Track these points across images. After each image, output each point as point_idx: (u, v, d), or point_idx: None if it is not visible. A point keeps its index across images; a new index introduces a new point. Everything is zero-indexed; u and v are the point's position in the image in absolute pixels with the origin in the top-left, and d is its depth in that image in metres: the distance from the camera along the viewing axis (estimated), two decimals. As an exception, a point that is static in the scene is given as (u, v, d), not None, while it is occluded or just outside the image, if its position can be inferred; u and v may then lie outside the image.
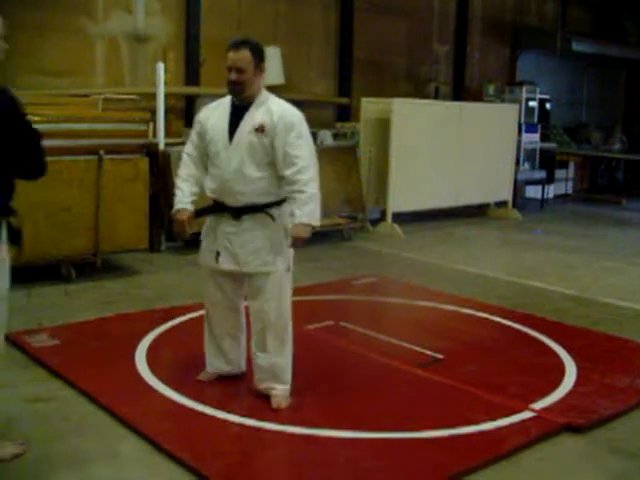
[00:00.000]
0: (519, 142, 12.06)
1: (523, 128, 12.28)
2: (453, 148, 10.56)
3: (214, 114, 3.92)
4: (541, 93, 13.12)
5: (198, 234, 4.11)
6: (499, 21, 14.27)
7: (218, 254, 3.91)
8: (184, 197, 3.94)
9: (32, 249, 5.96)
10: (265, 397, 3.98)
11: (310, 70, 11.50)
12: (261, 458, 3.50)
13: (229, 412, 3.83)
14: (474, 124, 10.83)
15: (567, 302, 6.56)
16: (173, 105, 9.71)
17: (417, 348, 4.99)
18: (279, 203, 3.88)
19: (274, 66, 10.28)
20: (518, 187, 12.35)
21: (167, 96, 8.58)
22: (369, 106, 10.09)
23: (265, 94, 3.87)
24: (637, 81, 17.22)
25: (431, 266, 7.90)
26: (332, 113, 11.88)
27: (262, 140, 3.76)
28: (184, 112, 10.05)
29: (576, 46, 14.02)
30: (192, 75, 10.05)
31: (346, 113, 11.77)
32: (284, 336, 3.97)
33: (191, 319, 5.31)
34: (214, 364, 4.21)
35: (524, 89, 12.73)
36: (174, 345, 4.90)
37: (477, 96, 13.12)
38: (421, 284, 6.97)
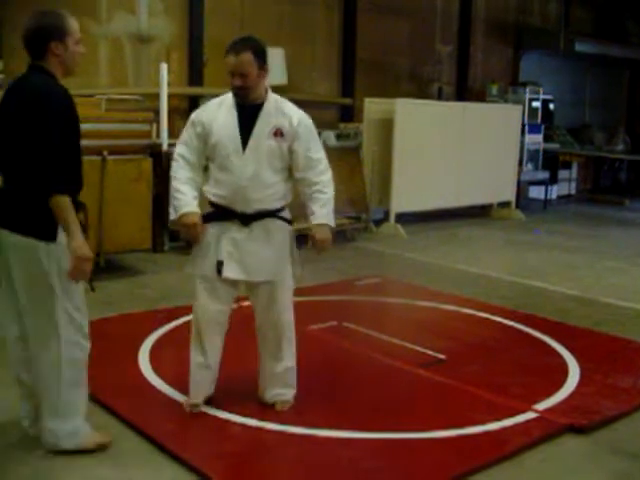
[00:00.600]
0: (522, 142, 12.04)
1: (526, 128, 12.27)
2: (456, 148, 10.56)
3: (219, 115, 3.68)
4: (544, 93, 13.12)
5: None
6: (502, 21, 14.26)
7: (220, 264, 3.67)
8: (189, 200, 3.65)
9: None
10: (268, 398, 3.99)
11: (313, 70, 11.50)
12: (263, 458, 3.51)
13: (231, 412, 3.83)
14: (477, 124, 10.83)
15: (570, 302, 6.55)
16: (176, 105, 9.71)
17: (419, 348, 5.00)
18: (285, 208, 3.80)
19: (277, 66, 10.27)
20: (521, 187, 12.34)
21: (170, 96, 8.59)
22: (372, 106, 10.09)
23: (273, 95, 3.75)
24: (640, 81, 17.21)
25: (434, 266, 7.90)
26: (335, 113, 11.87)
27: (281, 144, 3.65)
28: (187, 112, 10.05)
29: (579, 46, 14.00)
30: (195, 75, 10.05)
31: (349, 113, 11.77)
32: (293, 343, 3.94)
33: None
34: (205, 389, 3.89)
35: (527, 89, 12.72)
36: (177, 345, 4.88)
37: (480, 96, 13.11)
38: (424, 284, 6.97)
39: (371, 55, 12.10)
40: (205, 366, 3.84)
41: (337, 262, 7.88)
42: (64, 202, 3.10)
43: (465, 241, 9.59)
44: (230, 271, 3.68)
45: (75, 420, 3.40)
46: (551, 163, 13.31)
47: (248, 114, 3.65)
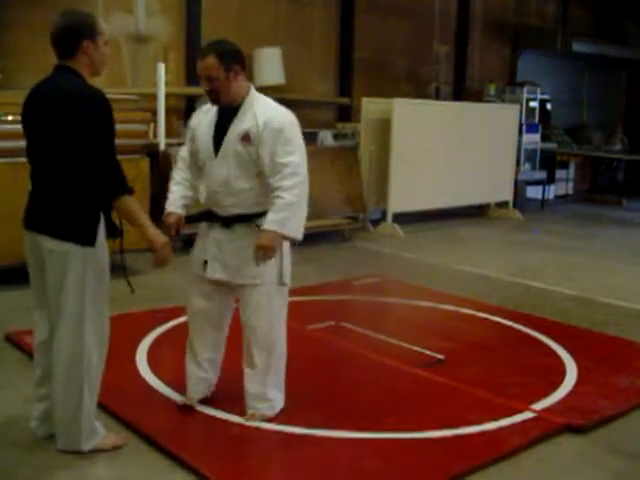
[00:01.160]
0: (520, 142, 12.04)
1: (524, 128, 12.28)
2: (454, 148, 10.56)
3: (204, 121, 3.71)
4: (542, 93, 13.11)
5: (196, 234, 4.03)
6: (500, 21, 14.26)
7: (205, 263, 3.72)
8: (174, 200, 3.77)
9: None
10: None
11: (311, 70, 11.49)
12: (261, 458, 3.51)
13: (229, 412, 3.82)
14: (475, 124, 10.83)
15: (568, 302, 6.56)
16: (174, 105, 9.71)
17: (418, 348, 4.99)
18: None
19: (275, 66, 10.28)
20: (519, 187, 12.34)
21: (168, 96, 8.59)
22: (370, 106, 10.08)
23: (253, 97, 3.64)
24: (638, 81, 17.20)
25: (432, 266, 7.90)
26: (333, 113, 11.88)
27: (249, 149, 3.53)
28: (185, 112, 10.06)
29: (577, 46, 14.00)
30: (193, 75, 10.02)
31: (347, 113, 11.77)
32: (272, 353, 3.73)
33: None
34: (197, 387, 3.91)
35: (525, 89, 12.72)
36: (175, 345, 4.88)
37: (478, 96, 13.10)
38: (422, 284, 6.97)
39: (369, 55, 12.10)
40: (195, 362, 3.87)
41: (334, 262, 7.89)
42: (131, 201, 3.23)
43: (463, 241, 9.59)
44: (212, 271, 3.70)
45: (92, 421, 3.41)
46: (549, 163, 13.31)
47: (225, 118, 3.63)
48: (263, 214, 3.57)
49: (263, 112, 3.57)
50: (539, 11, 15.06)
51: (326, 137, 10.45)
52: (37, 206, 3.28)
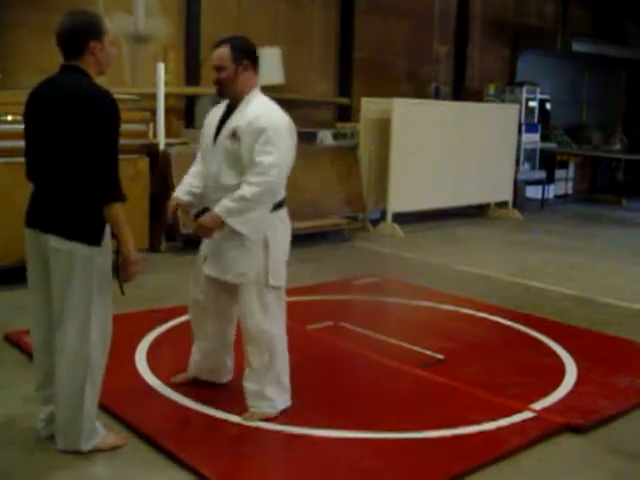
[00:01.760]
0: (519, 142, 12.06)
1: (523, 128, 12.28)
2: (453, 148, 10.56)
3: (215, 115, 3.78)
4: (541, 93, 13.13)
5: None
6: (500, 21, 14.26)
7: (205, 258, 3.81)
8: (181, 187, 3.89)
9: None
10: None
11: (310, 70, 11.49)
12: (261, 458, 3.50)
13: (229, 412, 3.82)
14: (474, 124, 10.83)
15: (568, 302, 6.56)
16: (173, 105, 9.71)
17: (417, 348, 4.99)
18: None
19: (274, 66, 10.27)
20: (518, 187, 12.35)
21: (167, 96, 8.58)
22: (369, 106, 10.08)
23: (252, 95, 3.66)
24: (638, 81, 17.20)
25: (431, 266, 7.90)
26: (332, 113, 11.88)
27: (235, 147, 3.57)
28: (184, 112, 10.06)
29: (576, 46, 14.01)
30: (192, 75, 10.05)
31: (346, 113, 11.77)
32: (269, 353, 3.72)
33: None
34: (195, 365, 4.13)
35: (524, 89, 12.73)
36: (174, 345, 4.89)
37: (477, 96, 13.12)
38: (421, 284, 6.97)
39: (368, 55, 12.10)
40: (196, 345, 4.09)
41: (334, 262, 7.88)
42: (120, 210, 3.21)
43: (462, 241, 9.59)
44: (207, 268, 3.80)
45: (92, 421, 3.41)
46: (548, 163, 13.31)
47: (227, 114, 3.71)
48: None
49: (253, 110, 3.60)
50: (539, 11, 15.07)
51: (326, 137, 10.45)
52: (42, 205, 3.26)
